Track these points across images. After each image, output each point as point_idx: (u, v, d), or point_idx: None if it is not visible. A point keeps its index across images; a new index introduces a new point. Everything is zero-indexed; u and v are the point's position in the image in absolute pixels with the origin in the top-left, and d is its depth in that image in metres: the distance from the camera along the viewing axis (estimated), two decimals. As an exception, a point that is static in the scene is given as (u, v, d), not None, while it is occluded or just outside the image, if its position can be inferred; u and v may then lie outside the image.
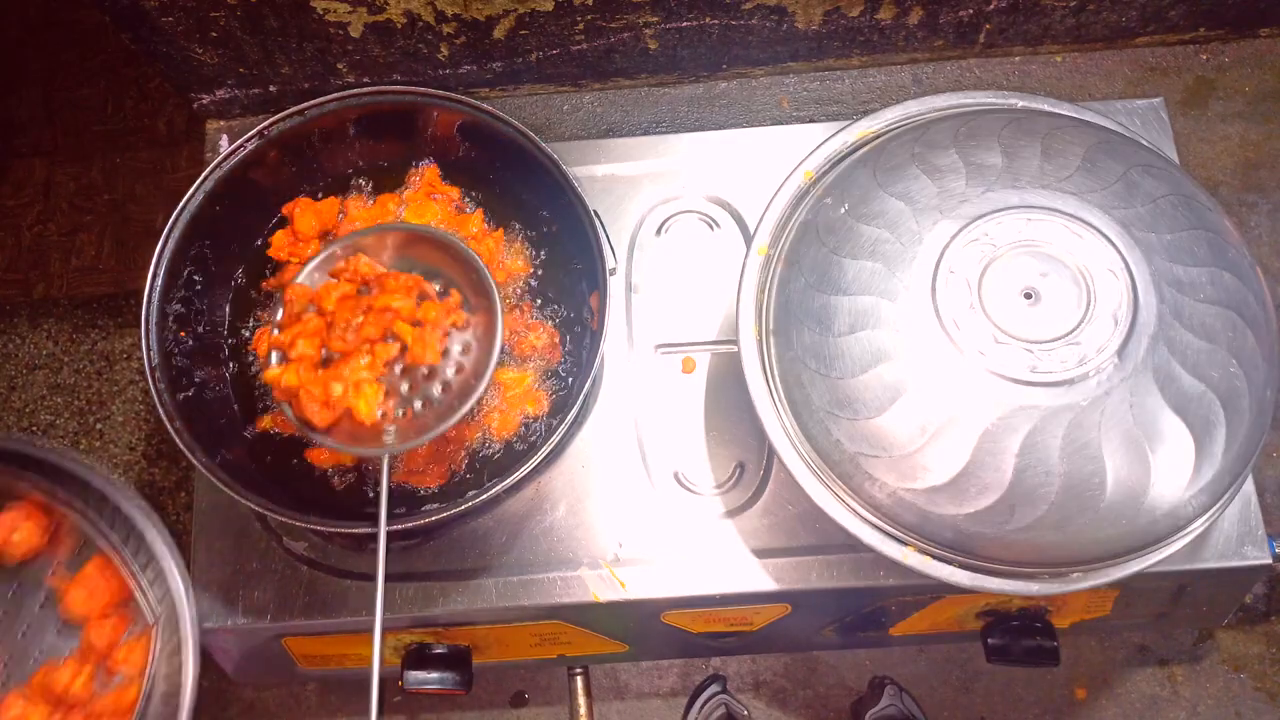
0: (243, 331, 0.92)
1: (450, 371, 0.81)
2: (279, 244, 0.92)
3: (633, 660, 1.02)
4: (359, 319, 0.80)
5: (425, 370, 0.81)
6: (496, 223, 0.94)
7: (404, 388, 0.81)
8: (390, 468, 0.87)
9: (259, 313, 0.93)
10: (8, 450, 0.82)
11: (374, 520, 0.80)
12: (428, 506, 0.85)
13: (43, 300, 1.33)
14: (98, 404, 1.26)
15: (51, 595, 0.83)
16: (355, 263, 0.83)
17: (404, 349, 0.80)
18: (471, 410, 0.80)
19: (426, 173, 0.94)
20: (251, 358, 0.91)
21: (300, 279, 0.82)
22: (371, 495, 0.87)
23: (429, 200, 0.94)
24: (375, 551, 0.87)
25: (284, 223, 0.94)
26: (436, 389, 0.81)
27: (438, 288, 0.83)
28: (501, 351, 0.81)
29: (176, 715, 0.77)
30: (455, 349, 0.81)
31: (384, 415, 0.80)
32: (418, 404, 0.81)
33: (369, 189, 0.96)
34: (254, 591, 0.87)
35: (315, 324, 0.81)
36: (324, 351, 0.80)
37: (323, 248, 0.84)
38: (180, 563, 0.81)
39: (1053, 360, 0.70)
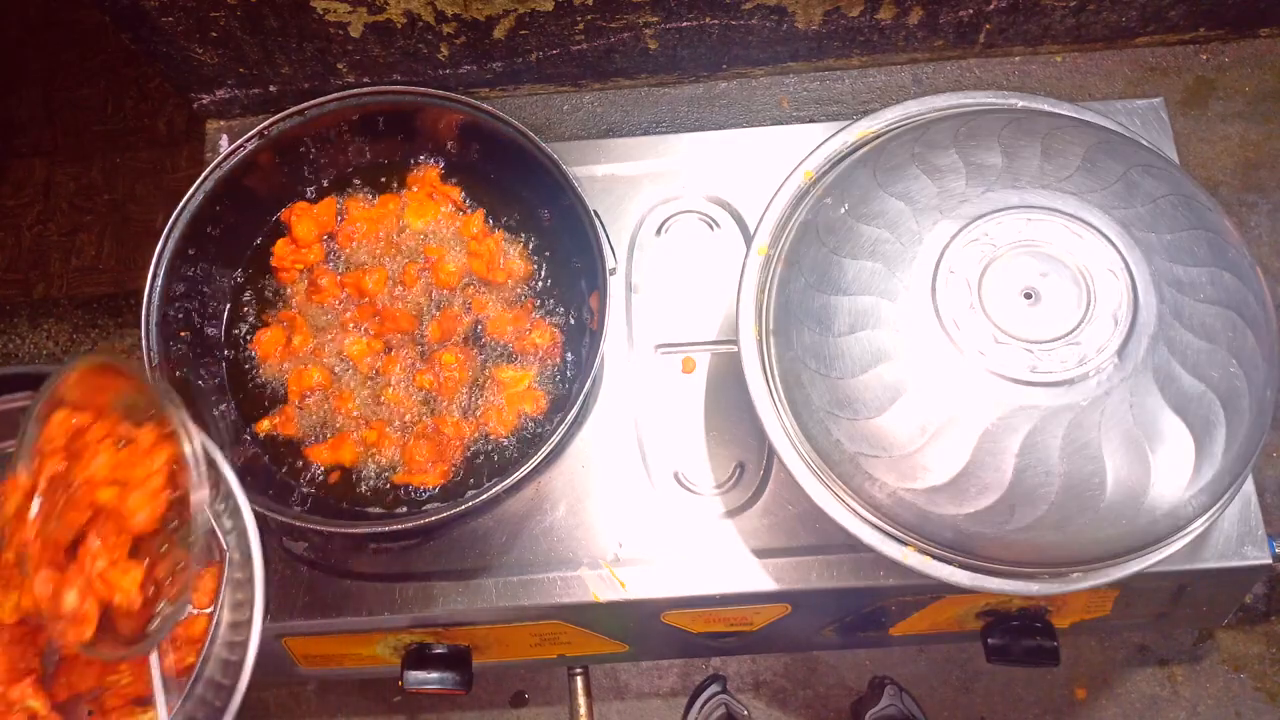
0: (242, 330, 0.92)
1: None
2: (281, 254, 0.92)
3: (633, 660, 1.02)
4: (62, 502, 0.66)
5: (172, 523, 0.68)
6: (496, 223, 0.94)
7: (162, 547, 0.68)
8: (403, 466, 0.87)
9: (266, 314, 0.93)
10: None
11: (373, 520, 0.80)
12: (428, 506, 0.85)
13: (43, 300, 1.33)
14: (98, 404, 1.26)
15: None
16: (52, 427, 0.67)
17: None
18: (201, 544, 0.68)
19: (427, 173, 0.94)
20: (251, 357, 0.91)
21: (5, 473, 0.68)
22: (369, 494, 0.87)
23: (429, 200, 0.94)
24: (375, 552, 0.88)
25: (283, 230, 0.94)
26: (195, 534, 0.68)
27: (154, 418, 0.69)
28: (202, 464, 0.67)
29: (245, 646, 0.74)
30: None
31: (155, 591, 0.67)
32: (183, 556, 0.68)
33: (368, 189, 0.96)
34: (254, 591, 0.87)
35: (34, 524, 0.67)
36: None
37: (23, 419, 0.69)
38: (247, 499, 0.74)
39: (1053, 360, 0.70)
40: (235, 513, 0.76)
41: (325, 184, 0.96)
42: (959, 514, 0.71)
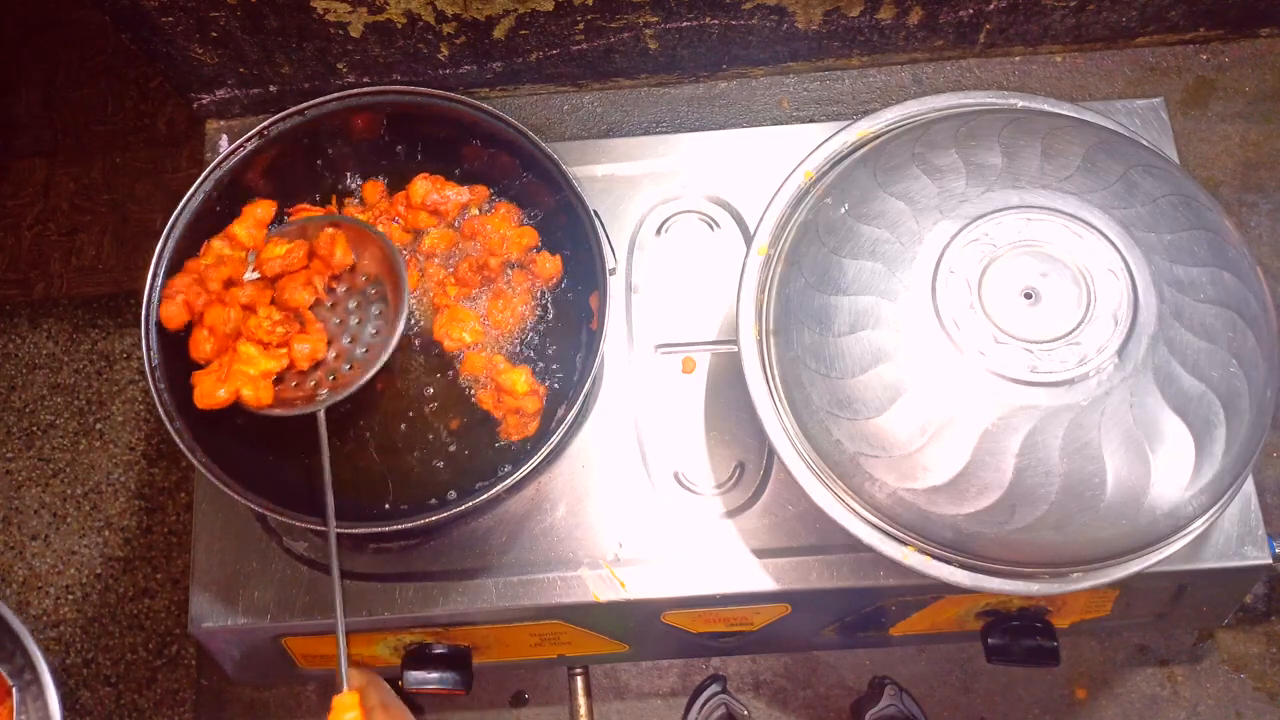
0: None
1: (370, 332, 0.86)
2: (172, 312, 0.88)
3: (633, 660, 1.02)
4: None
5: (347, 339, 0.87)
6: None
7: (331, 356, 0.86)
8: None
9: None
10: None
11: (375, 521, 0.80)
12: (428, 506, 0.85)
13: (43, 300, 1.33)
14: (98, 404, 1.26)
15: None
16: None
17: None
18: (385, 363, 0.84)
19: (504, 212, 0.94)
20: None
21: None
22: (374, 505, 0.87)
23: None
24: (375, 552, 0.88)
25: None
26: (360, 350, 0.86)
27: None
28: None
29: None
30: (374, 311, 0.87)
31: (317, 384, 0.85)
32: (346, 367, 0.85)
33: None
34: (254, 591, 0.87)
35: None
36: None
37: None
38: (32, 634, 0.80)
39: (1053, 360, 0.70)
40: (17, 642, 0.78)
41: (324, 183, 0.96)
42: (959, 514, 0.71)
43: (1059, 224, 0.72)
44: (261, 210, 0.91)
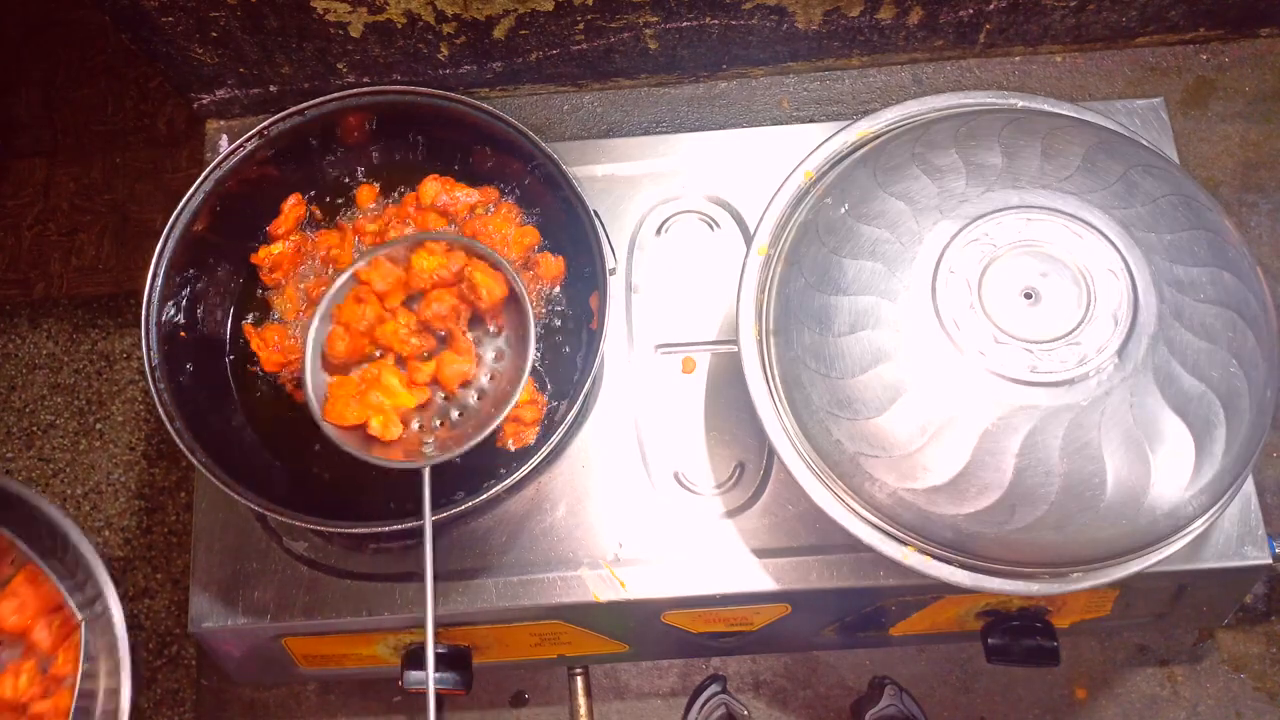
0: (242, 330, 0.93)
1: (485, 379, 0.83)
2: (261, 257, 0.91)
3: (633, 660, 1.02)
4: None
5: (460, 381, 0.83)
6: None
7: (440, 397, 0.82)
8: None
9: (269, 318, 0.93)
10: None
11: (373, 520, 0.81)
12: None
13: (43, 300, 1.33)
14: (98, 404, 1.26)
15: None
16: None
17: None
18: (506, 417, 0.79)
19: (526, 231, 0.93)
20: (253, 356, 0.91)
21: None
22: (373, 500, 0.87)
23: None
24: (375, 552, 0.88)
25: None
26: (473, 397, 0.82)
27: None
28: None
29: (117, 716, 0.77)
30: (489, 356, 0.83)
31: (421, 428, 0.81)
32: (455, 414, 0.82)
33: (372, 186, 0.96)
34: (254, 591, 0.87)
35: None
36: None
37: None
38: (105, 563, 0.82)
39: (1053, 360, 0.70)
40: (93, 580, 0.81)
41: (325, 183, 0.96)
42: (959, 514, 0.71)
43: (1059, 224, 0.72)
44: (295, 208, 0.91)
